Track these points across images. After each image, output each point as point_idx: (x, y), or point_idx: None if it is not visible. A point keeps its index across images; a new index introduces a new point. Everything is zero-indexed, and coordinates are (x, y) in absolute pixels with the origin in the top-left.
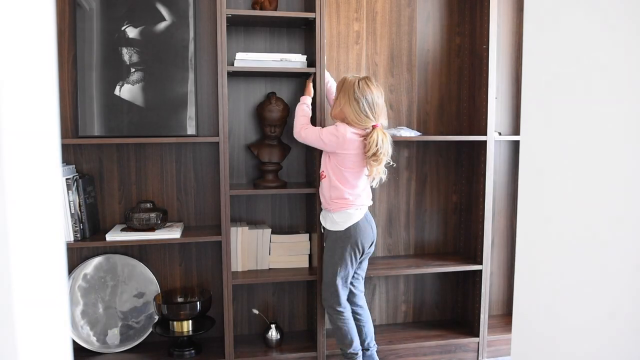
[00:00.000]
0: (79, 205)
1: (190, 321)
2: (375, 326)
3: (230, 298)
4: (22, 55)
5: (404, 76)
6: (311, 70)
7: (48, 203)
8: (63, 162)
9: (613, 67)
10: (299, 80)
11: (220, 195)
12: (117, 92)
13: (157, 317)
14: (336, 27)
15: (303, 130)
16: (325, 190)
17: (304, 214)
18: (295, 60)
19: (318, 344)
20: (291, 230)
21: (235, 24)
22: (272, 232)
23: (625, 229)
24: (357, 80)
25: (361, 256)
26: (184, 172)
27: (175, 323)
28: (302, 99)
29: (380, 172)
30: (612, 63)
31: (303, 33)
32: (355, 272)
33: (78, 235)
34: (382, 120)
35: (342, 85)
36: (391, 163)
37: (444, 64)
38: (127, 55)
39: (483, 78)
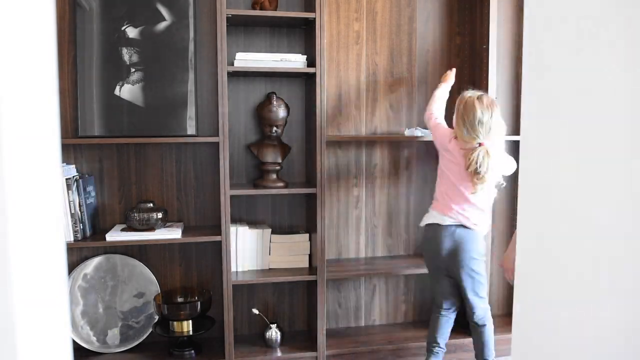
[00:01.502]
0: (79, 205)
1: (190, 321)
2: (375, 326)
3: (230, 298)
4: (23, 55)
5: (404, 76)
6: (311, 70)
7: (48, 203)
8: (63, 162)
9: (614, 67)
10: (299, 80)
11: (220, 195)
12: (117, 92)
13: (157, 317)
14: (336, 27)
15: (431, 120)
16: None
17: (304, 214)
18: (295, 60)
19: (318, 344)
20: (291, 230)
21: (235, 24)
22: (272, 232)
23: (627, 229)
24: (467, 99)
25: (435, 266)
26: (184, 172)
27: (175, 323)
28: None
29: (485, 190)
30: (614, 62)
31: (303, 33)
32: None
33: (78, 235)
34: (491, 138)
35: (457, 102)
36: (502, 183)
37: (444, 64)
38: (127, 55)
39: (483, 78)
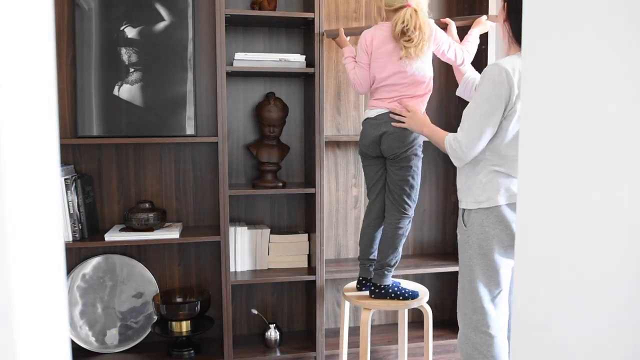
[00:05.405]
0: (78, 205)
1: (189, 321)
2: (375, 326)
3: (229, 298)
4: (21, 55)
5: None
6: (310, 70)
7: (47, 203)
8: (62, 162)
9: (614, 67)
10: (298, 80)
11: (219, 195)
12: (116, 92)
13: (156, 317)
14: (335, 27)
15: (351, 73)
16: None
17: (303, 214)
18: (294, 60)
19: (317, 344)
20: (290, 231)
21: (234, 24)
22: (271, 232)
23: (627, 229)
24: None
25: (364, 159)
26: (183, 172)
27: (174, 323)
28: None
29: (415, 54)
30: (613, 62)
31: (302, 33)
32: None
33: (77, 235)
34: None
35: None
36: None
37: (444, 64)
38: (126, 55)
39: None
